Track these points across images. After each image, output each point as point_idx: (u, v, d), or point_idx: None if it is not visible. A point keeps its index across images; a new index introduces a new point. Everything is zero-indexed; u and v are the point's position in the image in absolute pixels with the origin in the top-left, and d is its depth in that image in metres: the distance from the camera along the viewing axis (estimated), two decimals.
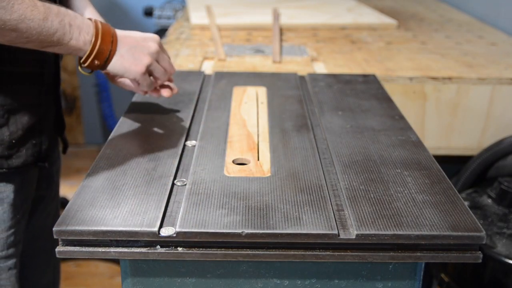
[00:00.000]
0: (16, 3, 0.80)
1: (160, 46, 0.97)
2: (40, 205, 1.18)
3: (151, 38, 0.96)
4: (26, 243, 1.13)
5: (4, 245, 1.04)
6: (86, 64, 0.90)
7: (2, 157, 0.99)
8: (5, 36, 0.82)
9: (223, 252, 0.70)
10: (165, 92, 1.03)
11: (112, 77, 1.03)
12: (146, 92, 1.01)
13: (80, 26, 0.88)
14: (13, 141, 0.99)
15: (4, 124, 0.98)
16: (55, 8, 0.86)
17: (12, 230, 1.05)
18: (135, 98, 1.15)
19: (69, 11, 0.88)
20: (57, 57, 1.09)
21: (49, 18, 0.84)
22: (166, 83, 1.03)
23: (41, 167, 1.09)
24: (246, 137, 0.97)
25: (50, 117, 1.10)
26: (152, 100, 1.13)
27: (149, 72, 0.95)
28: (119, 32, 0.93)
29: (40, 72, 1.02)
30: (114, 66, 0.92)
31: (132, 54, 0.92)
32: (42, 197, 1.18)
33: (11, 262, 1.06)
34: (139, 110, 1.09)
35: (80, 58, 0.91)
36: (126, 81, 1.02)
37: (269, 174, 0.83)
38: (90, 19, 0.91)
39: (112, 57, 0.91)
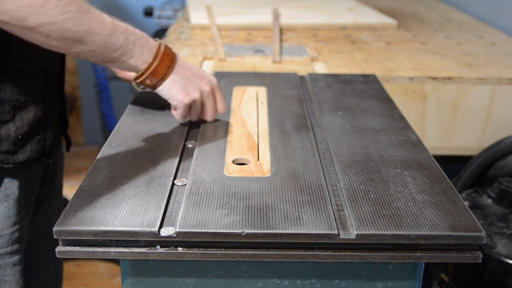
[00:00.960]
0: (86, 17, 0.83)
1: (213, 89, 1.00)
2: (43, 203, 1.18)
3: (207, 79, 1.00)
4: (29, 241, 1.14)
5: (9, 241, 1.05)
6: (138, 81, 0.94)
7: (8, 153, 0.99)
8: (72, 47, 0.84)
9: (223, 252, 0.70)
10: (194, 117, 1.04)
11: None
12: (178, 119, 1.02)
13: (143, 46, 0.91)
14: (19, 137, 1.00)
15: (10, 119, 0.98)
16: (122, 26, 0.89)
17: (17, 226, 1.05)
18: (134, 99, 1.15)
19: (136, 30, 0.92)
20: (62, 56, 1.10)
21: (115, 35, 0.86)
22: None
23: (45, 163, 1.10)
24: (246, 137, 0.97)
25: (53, 114, 1.11)
26: (152, 101, 1.14)
27: (190, 106, 0.99)
28: (180, 61, 0.97)
29: (45, 69, 1.03)
30: (163, 89, 0.95)
31: (183, 84, 0.96)
32: (45, 195, 1.18)
33: (15, 258, 1.07)
34: (139, 110, 1.09)
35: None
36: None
37: (269, 174, 0.84)
38: (156, 40, 0.95)
39: (164, 81, 0.94)
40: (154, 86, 0.95)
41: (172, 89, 0.95)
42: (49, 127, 1.07)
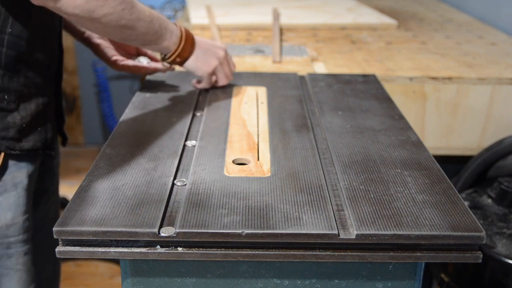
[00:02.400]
0: (135, 6, 0.97)
1: (226, 53, 1.18)
2: (43, 198, 1.20)
3: (220, 46, 1.17)
4: None
5: (20, 229, 1.07)
6: (169, 60, 1.11)
7: (14, 139, 1.03)
8: (122, 33, 0.99)
9: (223, 252, 0.70)
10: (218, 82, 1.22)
11: (115, 63, 1.19)
12: (205, 88, 1.21)
13: (171, 30, 1.07)
14: (23, 125, 1.04)
15: (16, 109, 1.02)
16: (155, 13, 1.04)
17: (27, 215, 1.08)
18: (134, 98, 1.15)
19: (162, 16, 1.07)
20: (61, 52, 1.15)
21: (154, 21, 1.02)
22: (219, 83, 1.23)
23: (47, 155, 1.14)
24: (246, 137, 0.97)
25: (52, 108, 1.14)
26: (152, 100, 1.14)
27: (213, 73, 1.17)
28: (197, 38, 1.14)
29: (48, 63, 1.07)
30: (190, 64, 1.13)
31: (204, 56, 1.14)
32: (45, 190, 1.20)
33: (27, 247, 1.09)
34: (139, 110, 1.09)
35: (164, 54, 1.11)
36: (128, 63, 1.20)
37: (269, 174, 0.83)
38: (175, 24, 1.10)
39: (190, 57, 1.12)
40: (181, 63, 1.12)
41: (197, 63, 1.13)
42: (48, 121, 1.11)
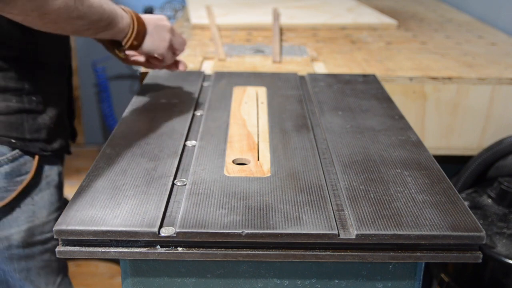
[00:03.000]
0: None
1: (169, 22, 1.10)
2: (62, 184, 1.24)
3: (163, 18, 1.09)
4: None
5: (53, 226, 1.09)
6: (127, 46, 1.02)
7: (45, 141, 1.05)
8: (73, 24, 0.90)
9: (223, 252, 0.70)
10: (181, 66, 1.16)
11: (127, 58, 1.13)
12: (168, 67, 1.14)
13: (120, 12, 0.98)
14: (52, 126, 1.06)
15: (44, 110, 1.04)
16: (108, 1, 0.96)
17: (59, 212, 1.11)
18: (134, 98, 1.15)
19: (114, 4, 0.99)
20: (70, 51, 1.17)
21: (104, 6, 0.94)
22: (178, 58, 1.16)
23: (68, 152, 1.17)
24: (246, 137, 0.97)
25: (66, 106, 1.17)
26: (152, 100, 1.14)
27: (170, 47, 1.09)
28: (143, 16, 1.05)
29: (63, 62, 1.10)
30: (147, 44, 1.04)
31: (157, 32, 1.05)
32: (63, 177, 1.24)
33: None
34: (139, 110, 1.09)
35: (117, 42, 1.03)
36: (140, 59, 1.14)
37: (269, 174, 0.83)
38: (120, 6, 1.02)
39: (145, 37, 1.03)
40: (139, 46, 1.03)
41: (154, 42, 1.05)
42: (66, 119, 1.14)
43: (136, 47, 1.03)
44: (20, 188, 1.01)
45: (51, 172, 1.08)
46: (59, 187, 1.12)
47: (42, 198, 1.07)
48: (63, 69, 1.09)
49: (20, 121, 0.99)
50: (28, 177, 1.02)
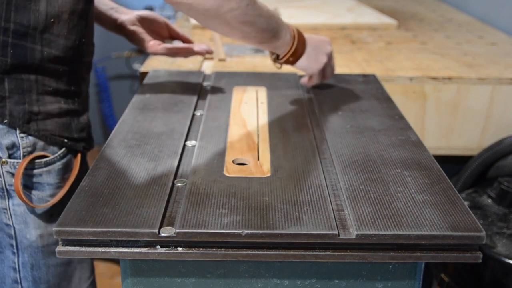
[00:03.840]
0: (257, 1, 0.94)
1: (331, 46, 1.15)
2: None
3: (327, 41, 1.14)
4: None
5: None
6: (282, 60, 1.07)
7: (87, 139, 1.08)
8: (243, 30, 0.95)
9: (223, 252, 0.70)
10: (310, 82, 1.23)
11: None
12: (313, 85, 1.22)
13: (285, 27, 1.02)
14: (89, 125, 1.09)
15: (84, 109, 1.07)
16: (271, 10, 0.99)
17: None
18: (134, 98, 1.15)
19: (276, 13, 1.02)
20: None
21: (271, 18, 0.98)
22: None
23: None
24: (246, 137, 0.97)
25: None
26: (152, 100, 1.14)
27: (321, 70, 1.15)
28: (307, 36, 1.09)
29: (91, 61, 1.10)
30: (301, 63, 1.09)
31: (315, 53, 1.10)
32: None
33: None
34: (139, 110, 1.09)
35: (276, 54, 1.08)
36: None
37: (269, 174, 0.83)
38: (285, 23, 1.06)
39: (302, 56, 1.08)
40: (294, 62, 1.09)
41: (309, 61, 1.10)
42: None
43: (291, 62, 1.09)
44: (68, 184, 1.04)
45: (86, 168, 1.10)
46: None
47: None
48: (91, 68, 1.11)
49: (69, 121, 1.02)
50: (74, 174, 1.05)
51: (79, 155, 1.06)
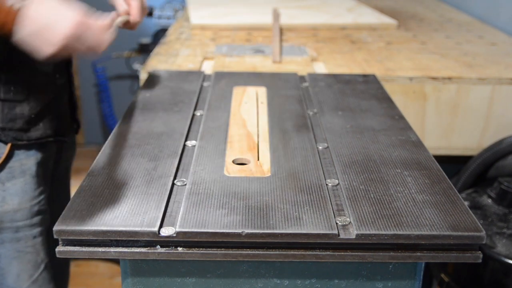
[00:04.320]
0: None
1: (80, 26, 0.87)
2: (59, 184, 1.24)
3: (68, 14, 0.87)
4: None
5: (28, 214, 1.10)
6: None
7: (21, 130, 1.05)
8: None
9: (223, 252, 0.70)
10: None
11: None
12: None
13: None
14: (32, 116, 1.06)
15: (25, 99, 1.04)
16: None
17: (36, 201, 1.11)
18: (134, 99, 1.15)
19: None
20: None
21: None
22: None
23: (61, 141, 1.17)
24: (246, 137, 0.97)
25: (64, 96, 1.17)
26: (152, 100, 1.14)
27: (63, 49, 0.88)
28: (31, 11, 0.86)
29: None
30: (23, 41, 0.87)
31: (37, 37, 0.86)
32: (59, 177, 1.24)
33: (36, 230, 1.12)
34: (139, 110, 1.09)
35: None
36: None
37: (269, 174, 0.83)
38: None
39: (12, 34, 0.86)
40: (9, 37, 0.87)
41: (34, 40, 0.87)
42: (61, 108, 1.14)
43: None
44: None
45: (27, 161, 1.08)
46: (37, 176, 1.11)
47: (14, 185, 1.08)
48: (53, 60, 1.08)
49: None
50: None
51: (8, 146, 1.04)
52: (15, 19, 0.85)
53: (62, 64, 1.13)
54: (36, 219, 1.12)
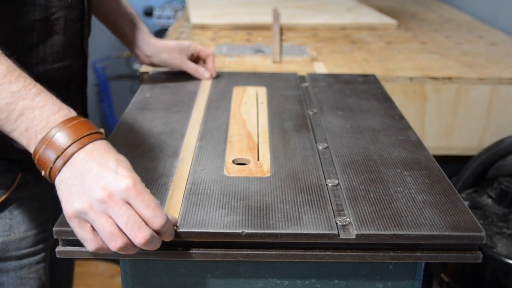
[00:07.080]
0: None
1: (117, 196, 0.63)
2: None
3: (105, 186, 0.63)
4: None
5: (33, 242, 1.06)
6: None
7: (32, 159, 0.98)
8: None
9: (223, 252, 0.70)
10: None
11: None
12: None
13: (33, 120, 0.66)
14: None
15: None
16: (17, 86, 0.66)
17: (41, 228, 1.07)
18: (135, 98, 1.15)
19: (42, 94, 0.67)
20: (85, 61, 1.09)
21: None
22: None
23: None
24: (246, 137, 0.97)
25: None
26: (152, 100, 1.14)
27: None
28: (87, 156, 0.65)
29: (68, 76, 1.03)
30: (57, 188, 0.67)
31: (76, 185, 0.65)
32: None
33: (39, 256, 1.09)
34: (139, 110, 1.09)
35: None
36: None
37: (269, 174, 0.83)
38: (62, 112, 0.68)
39: (54, 175, 0.67)
40: (50, 179, 0.68)
41: (68, 191, 0.65)
42: None
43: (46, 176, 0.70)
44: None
45: (35, 188, 1.04)
46: (45, 203, 1.07)
47: (22, 213, 1.03)
48: (65, 83, 1.04)
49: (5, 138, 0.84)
50: (9, 190, 0.98)
51: (19, 176, 0.98)
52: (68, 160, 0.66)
53: (76, 85, 1.09)
54: (41, 246, 1.08)
